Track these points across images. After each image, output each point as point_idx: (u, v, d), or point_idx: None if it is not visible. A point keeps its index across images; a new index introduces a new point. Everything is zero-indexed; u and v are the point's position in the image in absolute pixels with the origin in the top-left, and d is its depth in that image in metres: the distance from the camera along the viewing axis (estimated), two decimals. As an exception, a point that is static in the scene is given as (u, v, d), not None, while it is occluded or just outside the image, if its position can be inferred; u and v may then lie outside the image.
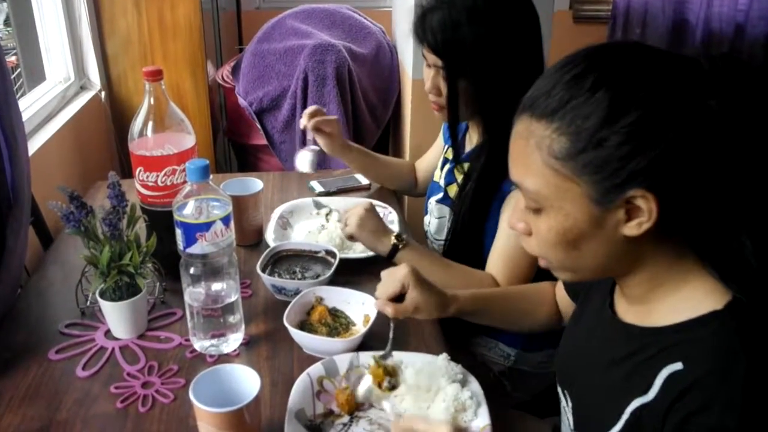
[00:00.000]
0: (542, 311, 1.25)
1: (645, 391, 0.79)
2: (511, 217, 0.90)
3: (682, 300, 0.82)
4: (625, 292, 0.90)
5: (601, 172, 0.76)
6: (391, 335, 1.12)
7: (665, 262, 0.83)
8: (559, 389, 1.04)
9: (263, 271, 1.34)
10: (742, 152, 0.75)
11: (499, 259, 1.37)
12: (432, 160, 1.77)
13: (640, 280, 0.86)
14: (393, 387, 1.08)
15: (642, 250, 0.82)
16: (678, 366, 0.77)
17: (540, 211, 0.83)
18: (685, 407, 0.74)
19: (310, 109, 1.65)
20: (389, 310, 1.10)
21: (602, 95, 0.75)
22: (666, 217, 0.76)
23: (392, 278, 1.12)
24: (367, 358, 1.12)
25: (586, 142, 0.76)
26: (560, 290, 1.22)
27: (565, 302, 1.20)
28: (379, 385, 1.08)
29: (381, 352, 1.12)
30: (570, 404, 0.99)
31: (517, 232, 0.90)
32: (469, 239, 1.44)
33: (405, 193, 1.96)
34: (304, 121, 1.62)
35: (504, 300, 1.27)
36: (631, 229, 0.78)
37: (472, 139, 1.52)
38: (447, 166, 1.58)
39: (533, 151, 0.80)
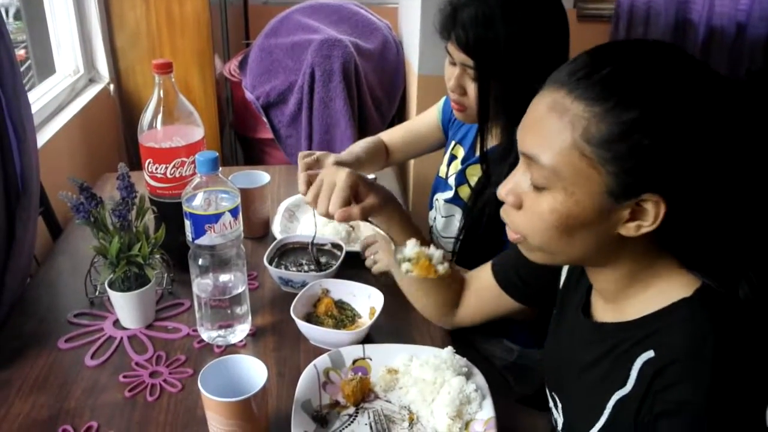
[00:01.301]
0: (454, 292, 1.22)
1: (623, 384, 0.80)
2: (502, 185, 0.86)
3: (653, 294, 0.83)
4: (598, 288, 0.90)
5: (629, 167, 0.74)
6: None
7: (642, 261, 0.83)
8: (548, 391, 1.05)
9: (270, 263, 1.35)
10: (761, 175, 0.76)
11: None
12: (418, 134, 1.72)
13: (614, 276, 0.86)
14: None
15: (624, 249, 0.82)
16: (650, 354, 0.78)
17: (544, 189, 0.80)
18: (657, 389, 0.76)
19: (303, 164, 1.35)
20: (355, 211, 1.08)
21: (650, 93, 0.73)
22: (665, 226, 0.76)
23: (333, 187, 1.09)
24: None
25: (623, 133, 0.73)
26: (482, 279, 1.18)
27: (481, 293, 1.18)
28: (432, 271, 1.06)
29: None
30: (560, 405, 1.00)
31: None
32: (490, 243, 1.42)
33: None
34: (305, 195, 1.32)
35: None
36: (629, 229, 0.78)
37: (490, 139, 1.43)
38: (457, 165, 1.56)
39: (565, 128, 0.76)
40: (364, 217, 1.11)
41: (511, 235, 0.88)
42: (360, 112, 2.61)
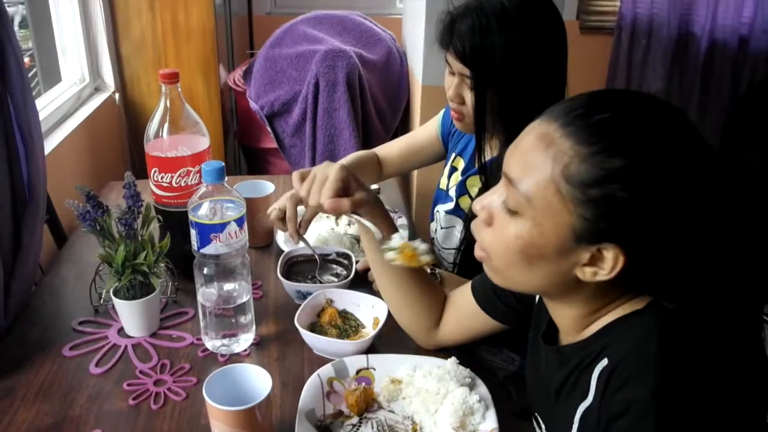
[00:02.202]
0: (433, 306, 1.21)
1: (585, 396, 0.82)
2: (478, 200, 0.87)
3: (608, 318, 0.84)
4: (556, 321, 0.92)
5: (598, 214, 0.74)
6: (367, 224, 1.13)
7: (601, 302, 0.84)
8: (533, 412, 1.05)
9: (284, 277, 1.35)
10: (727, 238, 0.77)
11: None
12: (416, 147, 1.73)
13: (571, 314, 0.87)
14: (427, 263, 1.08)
15: (581, 291, 0.83)
16: (604, 362, 0.80)
17: (516, 214, 0.80)
18: (610, 393, 0.77)
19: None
20: (346, 203, 1.09)
21: (639, 149, 0.73)
22: (622, 277, 0.78)
23: (325, 180, 1.11)
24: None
25: (602, 179, 0.73)
26: (462, 298, 1.18)
27: (462, 312, 1.18)
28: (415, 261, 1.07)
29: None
30: (543, 426, 1.00)
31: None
32: None
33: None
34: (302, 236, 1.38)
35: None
36: (585, 273, 0.79)
37: (489, 150, 1.46)
38: (457, 177, 1.57)
39: (547, 160, 0.76)
40: (354, 209, 1.12)
41: (477, 252, 0.89)
42: (364, 122, 2.62)
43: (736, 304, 0.79)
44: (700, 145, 0.75)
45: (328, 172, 1.12)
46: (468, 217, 1.47)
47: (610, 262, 0.76)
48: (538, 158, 0.77)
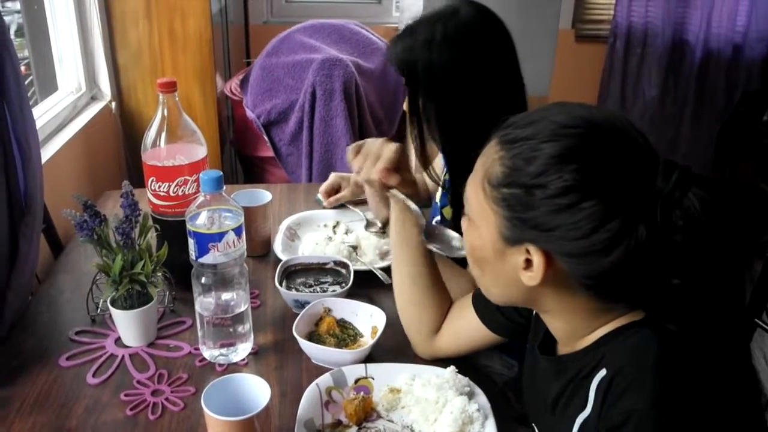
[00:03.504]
0: (439, 311, 1.21)
1: (584, 407, 0.82)
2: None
3: (605, 329, 0.84)
4: (552, 331, 0.93)
5: (514, 213, 0.78)
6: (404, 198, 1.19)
7: (588, 315, 0.84)
8: (530, 423, 1.05)
9: (281, 286, 1.35)
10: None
11: None
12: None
13: (563, 327, 0.88)
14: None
15: (549, 301, 0.85)
16: (603, 373, 0.80)
17: (470, 219, 0.87)
18: (609, 403, 0.77)
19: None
20: (396, 177, 1.14)
21: (558, 161, 0.75)
22: (564, 278, 0.79)
23: (377, 154, 1.16)
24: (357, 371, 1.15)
25: (516, 180, 0.77)
26: (463, 310, 1.18)
27: (462, 323, 1.18)
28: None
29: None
30: None
31: None
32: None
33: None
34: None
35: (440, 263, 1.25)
36: (527, 278, 0.81)
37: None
38: (441, 190, 1.60)
39: (481, 164, 0.83)
40: (399, 184, 1.16)
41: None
42: (360, 130, 2.62)
43: (720, 314, 0.79)
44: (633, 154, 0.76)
45: (383, 150, 1.16)
46: (452, 227, 1.49)
47: (535, 262, 0.79)
48: (479, 162, 0.84)
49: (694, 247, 0.73)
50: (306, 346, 1.19)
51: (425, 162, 1.46)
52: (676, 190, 0.73)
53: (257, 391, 0.98)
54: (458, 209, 1.42)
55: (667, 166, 0.74)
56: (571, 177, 0.74)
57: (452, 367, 1.12)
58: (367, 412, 1.08)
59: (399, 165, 1.16)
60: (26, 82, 2.12)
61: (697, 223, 0.72)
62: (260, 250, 1.57)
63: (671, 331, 0.78)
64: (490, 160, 0.81)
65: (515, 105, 1.34)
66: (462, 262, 1.30)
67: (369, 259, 1.50)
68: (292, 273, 1.44)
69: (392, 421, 1.08)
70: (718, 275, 0.76)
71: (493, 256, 0.84)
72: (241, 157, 2.99)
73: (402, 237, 1.20)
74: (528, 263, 0.80)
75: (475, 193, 0.83)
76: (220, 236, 1.10)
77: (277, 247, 1.55)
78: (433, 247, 1.18)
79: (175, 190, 1.30)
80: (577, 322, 0.85)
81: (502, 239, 0.81)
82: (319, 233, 1.64)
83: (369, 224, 1.59)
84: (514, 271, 0.82)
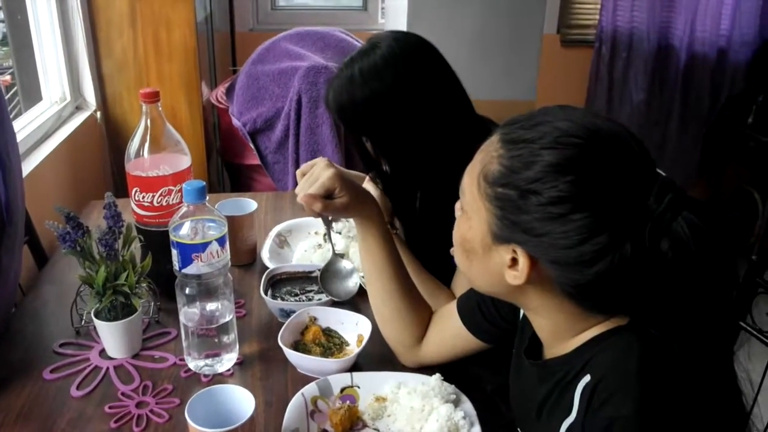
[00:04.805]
0: (418, 321, 1.21)
1: (569, 412, 0.82)
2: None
3: (589, 333, 0.85)
4: (539, 334, 0.93)
5: (506, 213, 0.80)
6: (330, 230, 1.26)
7: (575, 316, 0.84)
8: (518, 429, 1.06)
9: (266, 295, 1.35)
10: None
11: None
12: None
13: (549, 328, 0.89)
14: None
15: (533, 299, 0.86)
16: (587, 378, 0.80)
17: (463, 210, 0.88)
18: (593, 409, 0.77)
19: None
20: (318, 205, 1.11)
21: (555, 170, 0.75)
22: (548, 281, 0.80)
23: (315, 179, 1.13)
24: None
25: (512, 182, 0.78)
26: (448, 317, 1.18)
27: (446, 330, 1.18)
28: None
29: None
30: None
31: None
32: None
33: None
34: None
35: (414, 270, 1.30)
36: (511, 277, 0.82)
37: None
38: None
39: (479, 159, 0.84)
40: (324, 210, 1.14)
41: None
42: (346, 139, 2.62)
43: (704, 319, 0.79)
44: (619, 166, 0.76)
45: (320, 175, 1.14)
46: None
47: (519, 263, 0.80)
48: (477, 156, 0.86)
49: (680, 268, 0.74)
50: (291, 355, 1.19)
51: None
52: (667, 212, 0.73)
53: (242, 401, 0.98)
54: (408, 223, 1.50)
55: (663, 187, 0.75)
56: (566, 188, 0.75)
57: (437, 375, 1.12)
58: (353, 422, 1.08)
59: (331, 192, 1.14)
60: (10, 92, 2.11)
61: (685, 248, 0.73)
62: (246, 259, 1.57)
63: (655, 336, 0.79)
64: (489, 156, 0.82)
65: (455, 122, 1.37)
66: (442, 262, 1.30)
67: (357, 266, 1.50)
68: (278, 282, 1.43)
69: (378, 430, 1.08)
70: (705, 285, 0.77)
71: (481, 250, 0.85)
72: (227, 165, 2.98)
73: (366, 257, 1.20)
74: (514, 262, 0.82)
75: (470, 185, 0.85)
76: (203, 246, 1.10)
77: (265, 255, 1.54)
78: (326, 293, 1.30)
79: (159, 200, 1.30)
80: (562, 322, 0.86)
81: (491, 235, 0.83)
82: (308, 241, 1.64)
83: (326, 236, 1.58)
84: (499, 267, 0.84)
